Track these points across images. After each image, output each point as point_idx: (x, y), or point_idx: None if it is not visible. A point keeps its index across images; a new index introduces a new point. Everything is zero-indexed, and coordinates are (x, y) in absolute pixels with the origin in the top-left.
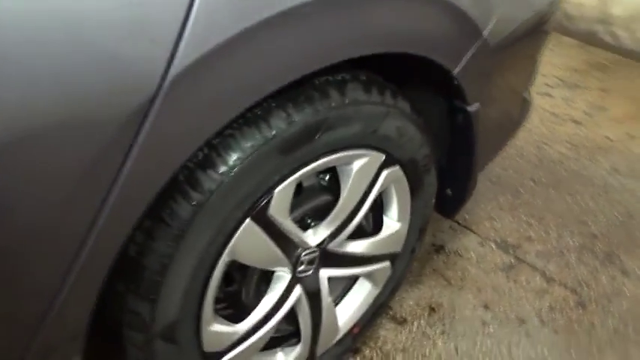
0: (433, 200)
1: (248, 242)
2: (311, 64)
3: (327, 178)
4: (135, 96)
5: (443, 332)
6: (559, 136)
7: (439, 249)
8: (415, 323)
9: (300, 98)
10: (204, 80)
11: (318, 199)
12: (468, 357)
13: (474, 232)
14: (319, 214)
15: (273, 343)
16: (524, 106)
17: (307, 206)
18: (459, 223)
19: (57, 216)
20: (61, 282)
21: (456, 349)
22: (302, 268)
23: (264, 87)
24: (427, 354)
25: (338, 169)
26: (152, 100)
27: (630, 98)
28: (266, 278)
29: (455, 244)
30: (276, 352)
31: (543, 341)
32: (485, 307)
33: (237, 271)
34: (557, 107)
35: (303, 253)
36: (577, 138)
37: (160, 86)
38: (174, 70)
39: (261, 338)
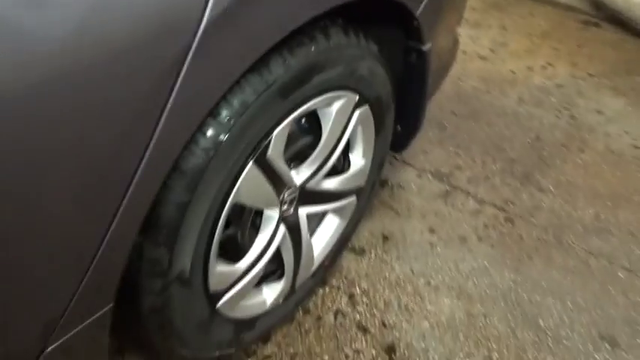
0: (390, 136)
1: (250, 184)
2: (310, 10)
3: (305, 122)
4: (174, 41)
5: (398, 257)
6: (470, 71)
7: (383, 183)
8: (372, 252)
9: (293, 43)
10: (237, 23)
11: (300, 142)
12: (423, 275)
13: (411, 165)
14: (299, 157)
15: (259, 280)
16: (456, 44)
17: (292, 149)
18: (396, 158)
19: (104, 157)
20: (109, 224)
21: (412, 270)
22: (285, 207)
23: (283, 29)
24: (387, 277)
25: (319, 111)
26: (191, 43)
27: (526, 34)
28: (256, 220)
29: (396, 178)
30: (262, 289)
31: (483, 255)
32: (431, 230)
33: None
34: (465, 45)
35: (287, 193)
36: (486, 72)
37: (196, 30)
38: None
39: (255, 275)
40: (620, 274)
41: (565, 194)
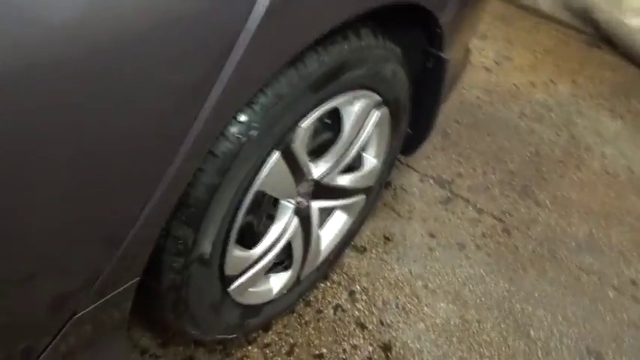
0: (403, 138)
1: (273, 174)
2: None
3: (326, 118)
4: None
5: (398, 258)
6: (475, 82)
7: (387, 185)
8: (374, 251)
9: (327, 41)
10: (293, 10)
11: (320, 137)
12: (421, 278)
13: (415, 170)
14: (315, 152)
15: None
16: (467, 54)
17: (312, 144)
18: (401, 162)
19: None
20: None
21: (410, 272)
22: (299, 199)
23: (331, 20)
24: (387, 277)
25: (342, 109)
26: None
27: (530, 49)
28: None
29: (400, 181)
30: (270, 277)
31: (479, 262)
32: (431, 235)
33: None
34: (471, 56)
35: (303, 186)
36: (490, 84)
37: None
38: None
39: (267, 263)
40: (609, 292)
41: (560, 210)
